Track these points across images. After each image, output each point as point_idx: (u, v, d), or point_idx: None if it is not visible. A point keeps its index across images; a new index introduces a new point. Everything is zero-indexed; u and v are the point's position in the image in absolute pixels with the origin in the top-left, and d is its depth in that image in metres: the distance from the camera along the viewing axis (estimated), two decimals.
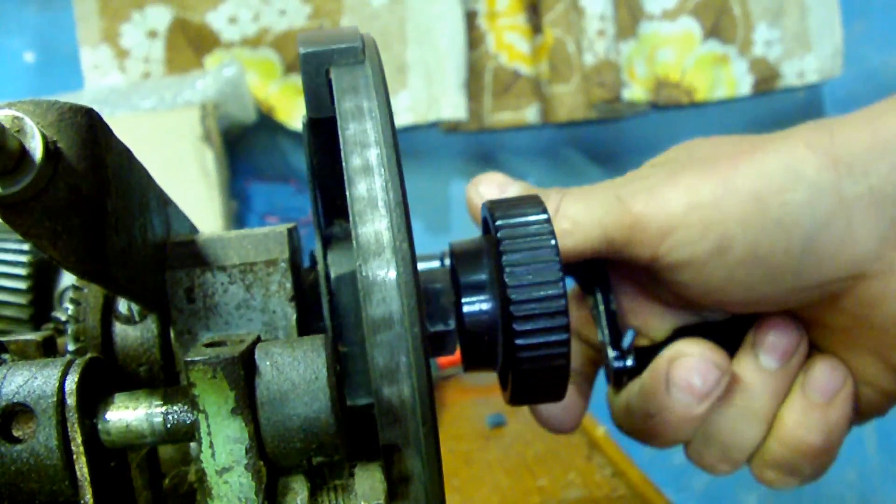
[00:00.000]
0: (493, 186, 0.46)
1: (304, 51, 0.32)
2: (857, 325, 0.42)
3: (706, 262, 0.40)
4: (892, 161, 0.38)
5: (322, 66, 0.32)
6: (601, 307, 0.46)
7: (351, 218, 0.28)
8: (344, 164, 0.29)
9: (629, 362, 0.46)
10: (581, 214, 0.42)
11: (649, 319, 0.47)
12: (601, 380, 0.50)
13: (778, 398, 0.44)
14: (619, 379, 0.47)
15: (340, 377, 0.31)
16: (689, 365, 0.43)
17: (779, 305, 0.43)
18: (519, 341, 0.37)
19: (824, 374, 0.43)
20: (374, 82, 0.31)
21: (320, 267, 0.36)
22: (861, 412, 0.45)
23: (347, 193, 0.29)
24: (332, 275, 0.36)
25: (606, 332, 0.46)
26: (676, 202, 0.40)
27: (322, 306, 0.35)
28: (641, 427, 0.46)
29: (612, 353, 0.46)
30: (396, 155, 0.29)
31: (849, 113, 0.41)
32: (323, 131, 0.34)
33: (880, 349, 0.42)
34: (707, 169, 0.41)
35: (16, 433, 0.27)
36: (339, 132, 0.29)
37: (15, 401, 0.27)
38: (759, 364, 0.44)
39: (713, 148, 0.43)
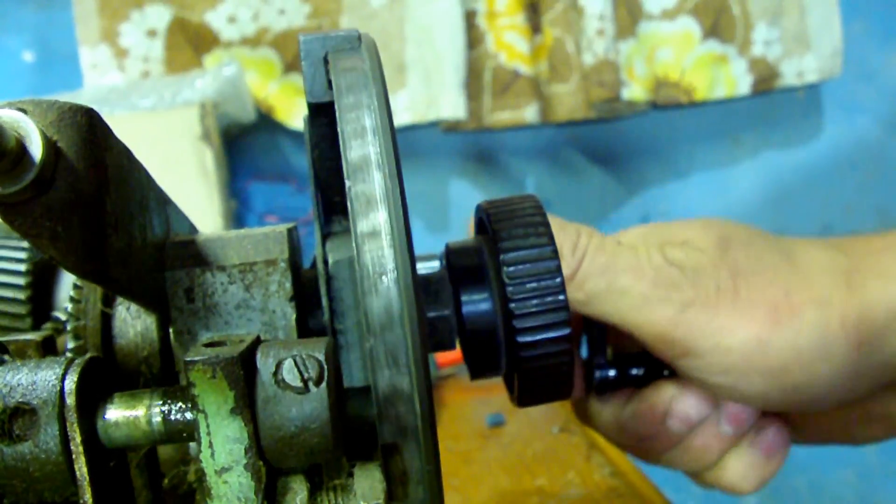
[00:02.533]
0: None
1: (304, 38, 0.33)
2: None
3: (728, 387, 0.46)
4: None
5: (320, 53, 0.33)
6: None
7: (349, 208, 0.28)
8: (340, 135, 0.29)
9: (612, 373, 0.50)
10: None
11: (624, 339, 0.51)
12: None
13: (726, 450, 0.50)
14: (603, 388, 0.51)
15: (339, 377, 0.31)
16: (690, 402, 0.49)
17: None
18: (520, 339, 0.36)
19: (773, 435, 0.50)
20: (370, 61, 0.31)
21: (319, 262, 0.36)
22: None
23: (344, 168, 0.29)
24: (331, 260, 0.35)
25: (595, 339, 0.50)
26: (726, 346, 0.45)
27: (321, 305, 0.35)
28: (633, 445, 0.52)
29: (597, 362, 0.50)
30: (391, 124, 0.30)
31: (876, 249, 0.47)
32: (323, 121, 0.34)
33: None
34: (752, 316, 0.45)
35: (16, 430, 0.27)
36: (336, 103, 0.30)
37: (16, 400, 0.27)
38: (720, 428, 0.50)
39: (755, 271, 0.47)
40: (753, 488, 0.50)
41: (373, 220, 0.28)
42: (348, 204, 0.28)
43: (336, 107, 0.30)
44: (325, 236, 0.37)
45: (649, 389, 0.50)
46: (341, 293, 0.35)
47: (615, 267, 0.46)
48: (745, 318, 0.45)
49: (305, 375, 0.27)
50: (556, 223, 0.44)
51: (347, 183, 0.28)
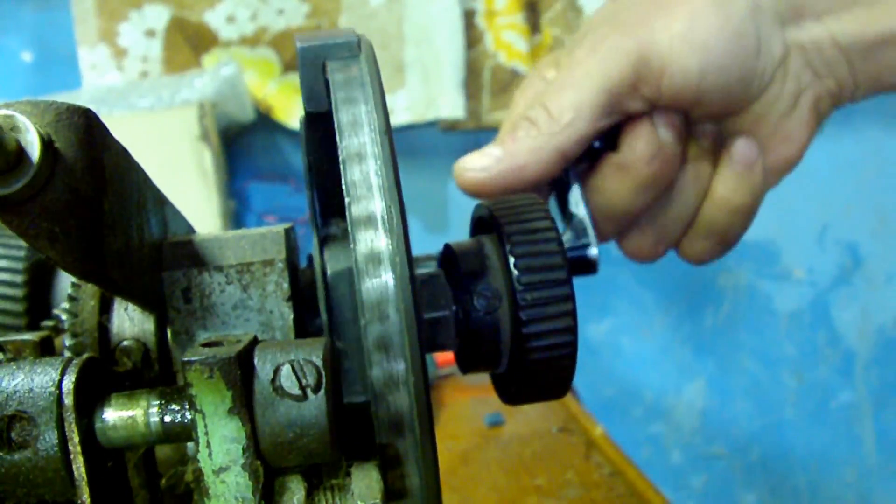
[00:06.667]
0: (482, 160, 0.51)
1: (302, 45, 0.32)
2: (764, 113, 0.54)
3: (695, 81, 0.50)
4: None
5: (318, 60, 0.32)
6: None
7: (345, 193, 0.29)
8: (339, 148, 0.29)
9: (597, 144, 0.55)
10: (576, 95, 0.50)
11: None
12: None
13: (711, 171, 0.55)
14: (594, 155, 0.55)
15: (337, 377, 0.31)
16: (666, 114, 0.53)
17: (722, 105, 0.54)
18: (526, 330, 0.37)
19: (743, 147, 0.54)
20: (369, 73, 0.31)
21: (317, 264, 0.36)
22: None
23: (342, 180, 0.29)
24: (329, 271, 0.36)
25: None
26: (668, 40, 0.49)
27: (319, 305, 0.35)
28: (636, 189, 0.55)
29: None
30: (390, 141, 0.30)
31: None
32: (320, 127, 0.34)
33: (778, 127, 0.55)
34: (664, 8, 0.50)
35: (14, 435, 0.27)
36: (335, 118, 0.30)
37: (12, 404, 0.27)
38: (700, 144, 0.55)
39: None
40: (752, 198, 0.54)
41: (369, 209, 0.28)
42: (343, 189, 0.28)
43: (335, 125, 0.30)
44: (323, 240, 0.37)
45: (630, 125, 0.53)
46: (341, 308, 0.35)
47: (568, 79, 0.50)
48: (663, 18, 0.50)
49: (304, 382, 0.27)
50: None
51: (347, 206, 0.28)
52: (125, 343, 0.34)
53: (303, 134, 0.36)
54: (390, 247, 0.28)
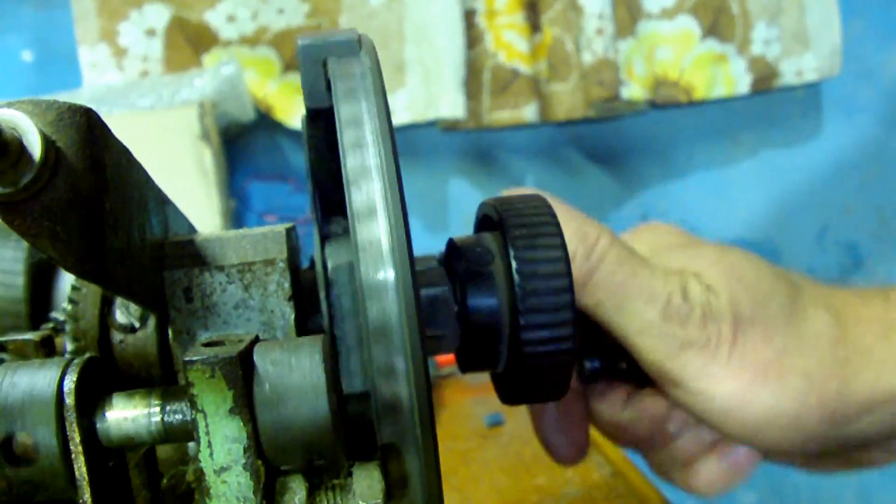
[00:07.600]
0: None
1: (302, 43, 0.32)
2: None
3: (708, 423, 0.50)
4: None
5: (319, 57, 0.32)
6: None
7: (350, 216, 0.29)
8: (340, 146, 0.29)
9: (598, 364, 0.53)
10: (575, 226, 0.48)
11: None
12: None
13: (701, 455, 0.54)
14: (591, 377, 0.53)
15: (338, 377, 0.31)
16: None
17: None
18: (524, 336, 0.37)
19: (743, 455, 0.53)
20: (371, 70, 0.31)
21: (318, 266, 0.36)
22: None
23: (344, 176, 0.29)
24: (330, 273, 0.36)
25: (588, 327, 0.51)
26: (711, 393, 0.48)
27: (319, 295, 0.35)
28: (625, 442, 0.57)
29: (586, 349, 0.52)
30: (391, 134, 0.30)
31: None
32: (321, 125, 0.34)
33: None
34: (742, 371, 0.48)
35: (17, 437, 0.27)
36: (336, 114, 0.30)
37: (13, 406, 0.27)
38: (702, 434, 0.53)
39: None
40: (713, 495, 0.53)
41: (372, 228, 0.28)
42: (348, 212, 0.28)
43: (336, 116, 0.30)
44: (324, 238, 0.37)
45: (649, 397, 0.52)
46: (340, 299, 0.35)
47: (630, 288, 0.47)
48: (735, 372, 0.47)
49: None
50: (574, 217, 0.47)
51: (347, 192, 0.28)
52: (126, 343, 0.34)
53: (304, 132, 0.36)
54: (386, 196, 0.28)
